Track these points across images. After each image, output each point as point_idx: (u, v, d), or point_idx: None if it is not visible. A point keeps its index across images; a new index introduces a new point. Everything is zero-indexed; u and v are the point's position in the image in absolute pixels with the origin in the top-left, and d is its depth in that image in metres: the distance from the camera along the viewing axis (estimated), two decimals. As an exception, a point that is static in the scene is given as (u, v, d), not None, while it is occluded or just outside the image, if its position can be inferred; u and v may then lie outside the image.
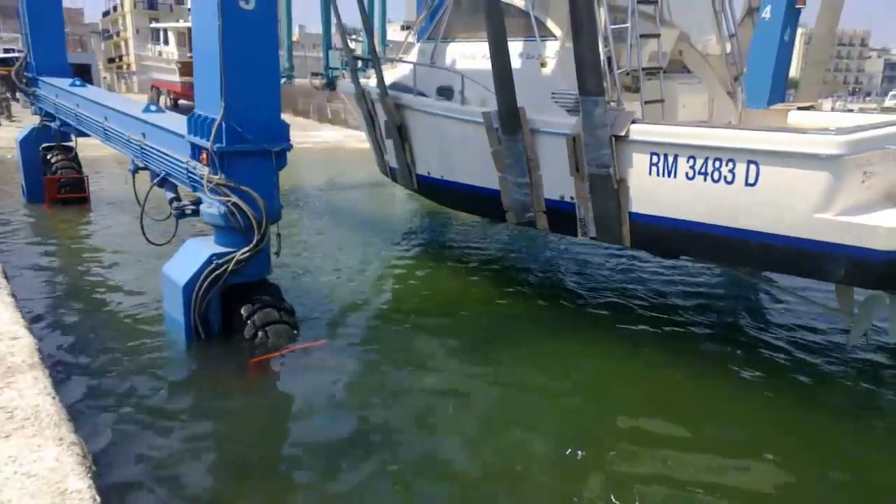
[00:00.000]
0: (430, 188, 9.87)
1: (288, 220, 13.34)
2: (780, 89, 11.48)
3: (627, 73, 7.53)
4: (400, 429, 5.60)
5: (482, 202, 8.71)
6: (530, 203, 7.90)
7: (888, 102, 69.02)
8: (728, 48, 8.81)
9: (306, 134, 30.88)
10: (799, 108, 8.50)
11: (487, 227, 12.37)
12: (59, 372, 5.97)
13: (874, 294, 6.28)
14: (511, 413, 5.99)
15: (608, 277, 9.78)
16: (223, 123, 6.29)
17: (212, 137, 6.33)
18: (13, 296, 6.48)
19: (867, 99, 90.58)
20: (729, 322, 8.20)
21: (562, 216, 7.63)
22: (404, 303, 8.80)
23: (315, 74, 48.95)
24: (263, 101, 6.57)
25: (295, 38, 54.63)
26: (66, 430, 4.02)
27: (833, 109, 53.45)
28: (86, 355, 6.54)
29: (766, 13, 11.16)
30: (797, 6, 11.01)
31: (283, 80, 48.97)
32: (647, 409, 6.13)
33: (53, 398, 4.41)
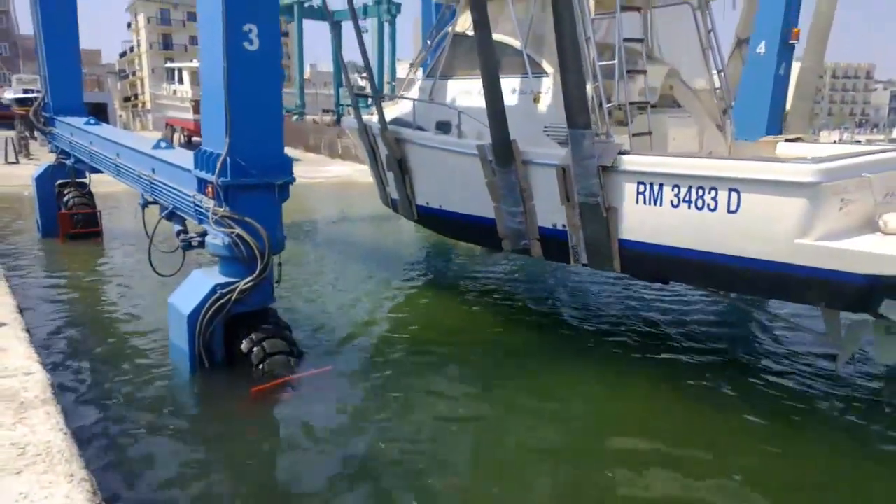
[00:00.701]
0: (430, 218, 10.15)
1: (296, 250, 13.73)
2: (777, 122, 11.75)
3: (619, 108, 7.82)
4: (400, 457, 5.69)
5: (479, 231, 8.96)
6: (525, 231, 8.15)
7: (896, 134, 68.98)
8: (717, 83, 9.10)
9: (317, 169, 31.41)
10: (787, 140, 8.73)
11: (487, 256, 12.60)
12: (70, 401, 6.14)
13: (859, 319, 6.43)
14: (512, 440, 6.08)
15: (606, 305, 9.96)
16: (228, 158, 6.60)
17: (217, 171, 6.64)
18: (27, 331, 6.58)
19: (874, 130, 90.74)
20: (726, 349, 8.32)
21: (555, 244, 7.87)
22: (406, 331, 8.98)
23: (326, 111, 49.86)
24: (267, 137, 6.89)
25: (307, 75, 55.69)
26: (77, 466, 4.05)
27: (840, 141, 53.67)
28: (94, 385, 6.74)
29: (761, 48, 11.48)
30: (790, 42, 11.33)
31: (294, 117, 50.08)
32: (642, 432, 6.24)
33: (65, 434, 4.44)
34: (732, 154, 8.90)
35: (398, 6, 46.24)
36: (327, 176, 28.45)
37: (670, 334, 8.68)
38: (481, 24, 7.38)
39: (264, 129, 6.83)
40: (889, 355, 6.29)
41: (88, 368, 7.18)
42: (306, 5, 44.44)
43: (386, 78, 41.42)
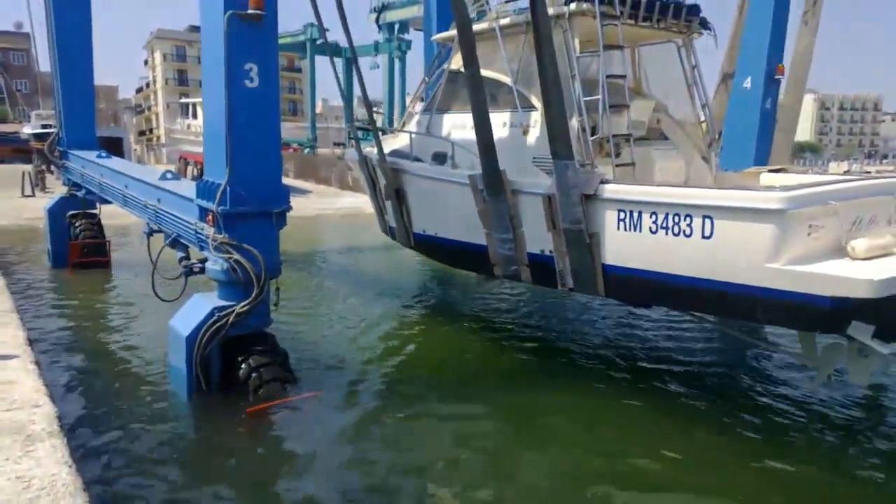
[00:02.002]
0: (426, 245, 10.46)
1: (301, 279, 14.11)
2: (764, 153, 12.02)
3: (608, 140, 8.14)
4: (387, 480, 5.85)
5: (472, 257, 9.25)
6: (514, 257, 8.43)
7: (905, 165, 68.93)
8: (702, 116, 9.45)
9: (328, 201, 31.92)
10: (770, 171, 9.01)
11: (482, 283, 12.83)
12: (72, 425, 6.30)
13: (834, 341, 6.62)
14: (505, 465, 6.21)
15: (601, 331, 10.16)
16: (227, 188, 6.96)
17: (217, 200, 6.99)
18: (37, 363, 6.72)
19: (884, 161, 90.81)
20: (716, 371, 8.51)
21: (543, 269, 8.13)
22: (403, 358, 9.23)
23: (337, 144, 50.74)
24: (265, 168, 7.24)
25: (318, 110, 56.80)
26: (82, 501, 4.09)
27: (849, 172, 53.94)
28: (96, 408, 6.99)
29: (747, 83, 11.82)
30: (776, 77, 11.67)
31: (306, 151, 50.87)
32: (640, 455, 6.35)
33: (70, 467, 4.48)
34: (717, 184, 9.19)
35: (409, 43, 47.34)
36: (337, 207, 28.91)
37: (665, 358, 8.88)
38: (470, 61, 7.75)
39: (262, 160, 7.18)
40: (860, 376, 6.47)
41: (92, 393, 7.40)
42: (318, 42, 45.46)
43: (396, 113, 42.23)
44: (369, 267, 16.60)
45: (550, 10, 8.13)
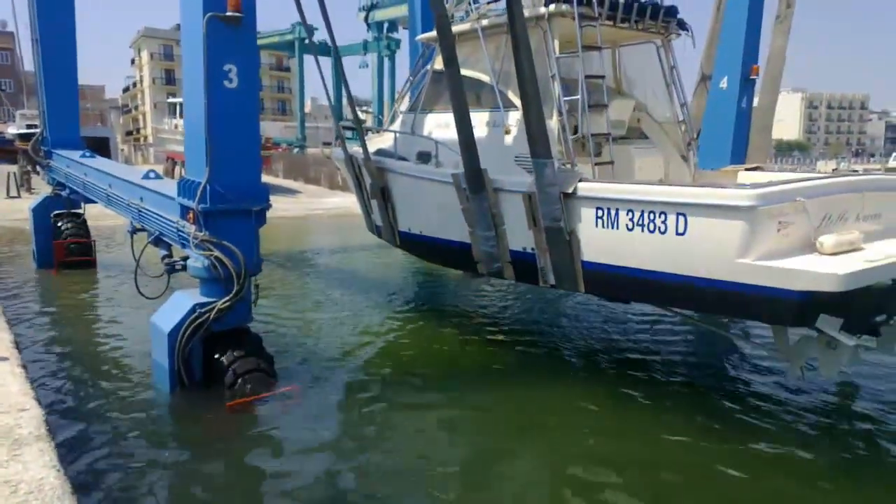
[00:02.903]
0: (411, 243, 10.54)
1: (288, 278, 14.17)
2: (741, 152, 12.15)
3: (590, 139, 8.25)
4: (365, 471, 5.95)
5: (456, 255, 9.33)
6: (497, 254, 8.52)
7: (892, 163, 69.76)
8: (680, 116, 9.58)
9: (317, 201, 31.92)
10: (747, 169, 9.15)
11: (467, 280, 12.94)
12: (57, 425, 6.28)
13: (805, 335, 6.76)
14: (484, 463, 6.24)
15: (588, 329, 10.30)
16: (207, 186, 7.03)
17: (197, 198, 7.05)
18: (24, 367, 6.73)
19: (871, 160, 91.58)
20: (705, 371, 8.62)
21: (525, 266, 8.24)
22: (386, 354, 9.26)
23: (326, 144, 50.70)
24: (244, 167, 7.32)
25: (307, 109, 56.79)
26: None
27: (837, 170, 54.51)
28: (80, 404, 7.05)
29: (724, 83, 11.94)
30: (751, 77, 11.80)
31: (295, 150, 50.69)
32: (634, 458, 6.34)
33: (58, 471, 4.47)
34: (695, 182, 9.32)
35: (398, 42, 47.39)
36: (326, 207, 28.95)
37: (655, 357, 8.97)
38: (450, 62, 7.85)
39: (242, 159, 7.25)
40: (829, 369, 6.60)
41: (76, 392, 7.41)
42: (307, 41, 45.53)
43: (385, 112, 42.31)
44: (358, 266, 16.66)
45: (528, 13, 8.26)
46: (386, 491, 5.66)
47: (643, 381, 8.18)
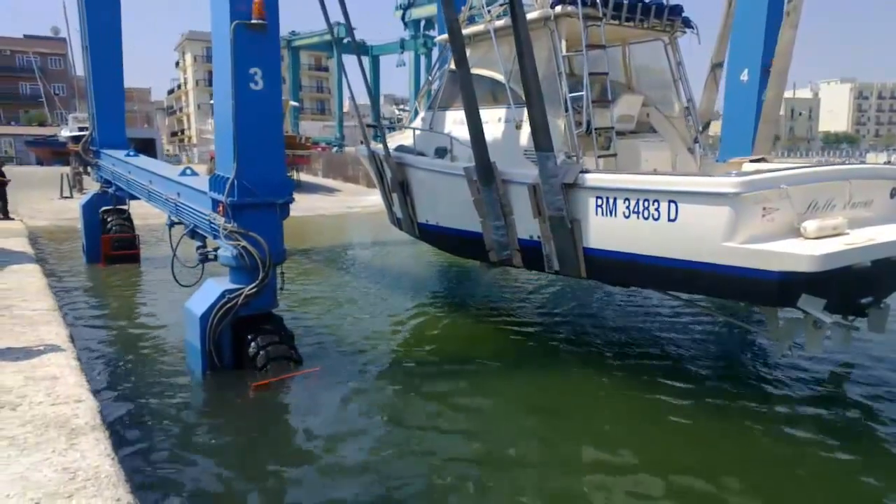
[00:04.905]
0: (429, 234, 11.09)
1: (325, 269, 14.84)
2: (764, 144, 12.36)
3: (599, 133, 8.66)
4: (379, 450, 6.24)
5: (470, 244, 9.83)
6: (507, 243, 9.00)
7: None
8: (687, 112, 9.94)
9: (355, 199, 32.70)
10: (752, 160, 9.43)
11: (484, 271, 13.34)
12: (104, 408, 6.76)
13: (793, 316, 7.09)
14: (497, 446, 6.39)
15: (610, 321, 10.69)
16: (235, 181, 7.67)
17: (226, 193, 7.71)
18: (78, 359, 6.99)
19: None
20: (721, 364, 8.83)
21: (532, 253, 8.71)
22: (410, 342, 9.81)
23: (363, 143, 51.37)
24: (269, 163, 7.94)
25: (346, 108, 57.60)
26: (124, 491, 4.27)
27: (889, 162, 53.27)
28: (123, 386, 7.67)
29: (744, 76, 12.20)
30: (771, 69, 12.01)
31: (334, 149, 51.44)
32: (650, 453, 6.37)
33: (112, 459, 4.68)
34: (700, 173, 9.62)
35: (433, 39, 47.86)
36: (364, 205, 29.70)
37: (670, 351, 9.20)
38: (460, 62, 8.35)
39: (267, 156, 7.88)
40: (814, 346, 6.90)
41: (120, 375, 8.00)
42: (345, 41, 46.61)
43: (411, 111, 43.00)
44: (391, 260, 17.32)
45: (537, 14, 8.73)
46: (398, 467, 5.94)
47: (662, 371, 8.33)
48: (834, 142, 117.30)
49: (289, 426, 7.11)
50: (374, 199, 31.50)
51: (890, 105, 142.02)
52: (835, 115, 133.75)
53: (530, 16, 8.57)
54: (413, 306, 11.86)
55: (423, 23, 47.69)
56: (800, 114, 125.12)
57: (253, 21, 7.42)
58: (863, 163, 11.11)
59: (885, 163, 49.28)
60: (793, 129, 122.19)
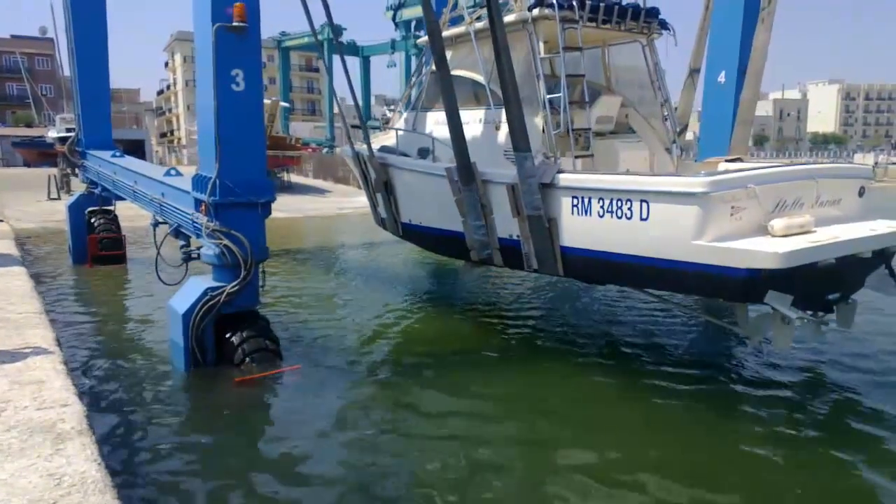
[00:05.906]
0: (413, 234, 11.23)
1: (315, 270, 14.98)
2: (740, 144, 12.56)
3: (577, 133, 8.81)
4: (361, 446, 6.35)
5: (452, 243, 9.97)
6: (488, 242, 9.15)
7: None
8: (664, 111, 10.11)
9: (346, 200, 32.72)
10: (727, 160, 9.61)
11: (467, 270, 13.45)
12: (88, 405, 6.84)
13: (763, 312, 7.26)
14: (483, 445, 6.39)
15: (602, 323, 10.81)
16: (217, 181, 7.78)
17: (209, 192, 7.82)
18: (65, 363, 6.89)
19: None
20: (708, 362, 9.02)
21: (512, 252, 8.86)
22: (399, 342, 9.92)
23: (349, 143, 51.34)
24: (251, 163, 8.06)
25: (336, 109, 57.50)
26: (110, 497, 4.21)
27: (876, 164, 53.72)
28: (107, 384, 7.81)
29: (722, 78, 12.38)
30: (747, 71, 12.20)
31: (324, 150, 51.30)
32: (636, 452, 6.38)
33: (99, 464, 4.59)
34: (677, 173, 9.81)
35: (422, 40, 47.74)
36: (355, 206, 29.69)
37: (659, 348, 9.33)
38: (440, 64, 8.49)
39: (248, 156, 8.00)
40: (782, 343, 7.08)
41: (104, 374, 8.10)
42: (335, 42, 46.53)
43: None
44: (381, 261, 17.41)
45: (515, 16, 8.89)
46: (381, 464, 6.01)
47: (651, 369, 8.43)
48: (822, 142, 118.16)
49: (271, 423, 7.20)
50: (364, 199, 31.48)
51: (877, 106, 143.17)
52: (823, 115, 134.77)
53: (509, 18, 8.74)
54: (400, 306, 11.98)
55: (413, 23, 47.70)
56: (788, 115, 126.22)
57: (234, 24, 7.54)
58: (850, 163, 11.28)
59: (873, 164, 49.70)
60: (782, 130, 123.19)
